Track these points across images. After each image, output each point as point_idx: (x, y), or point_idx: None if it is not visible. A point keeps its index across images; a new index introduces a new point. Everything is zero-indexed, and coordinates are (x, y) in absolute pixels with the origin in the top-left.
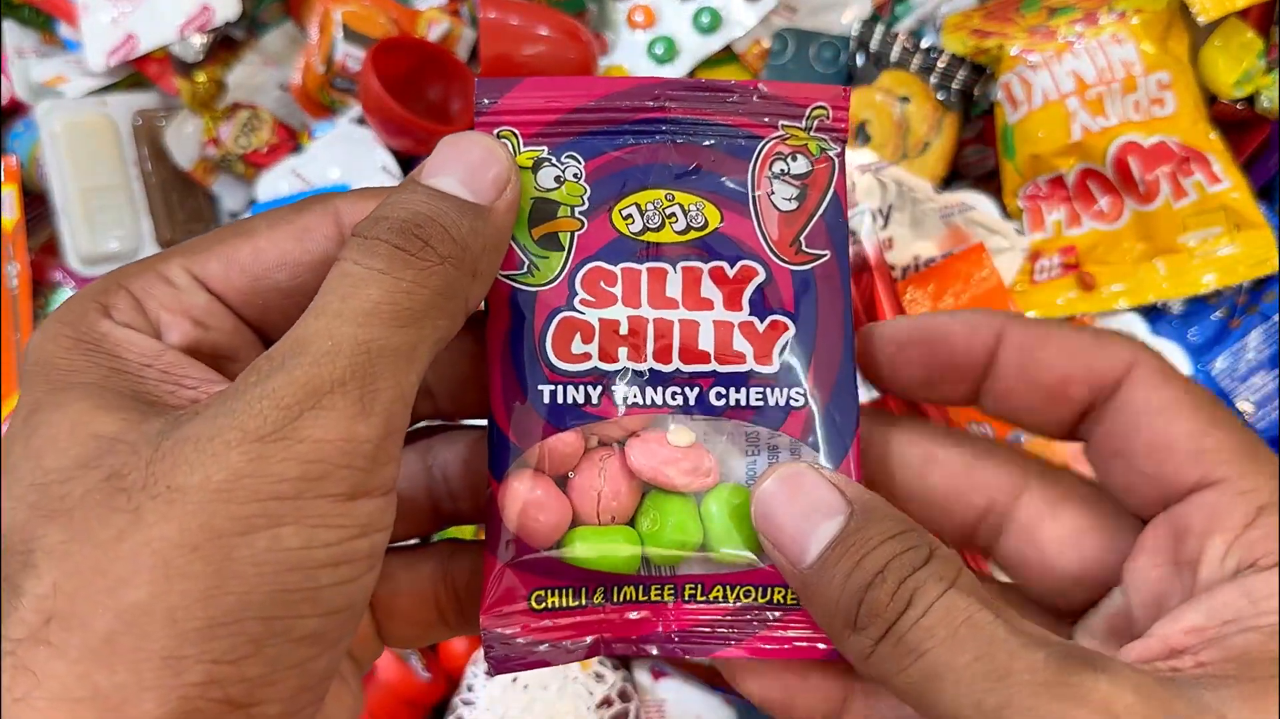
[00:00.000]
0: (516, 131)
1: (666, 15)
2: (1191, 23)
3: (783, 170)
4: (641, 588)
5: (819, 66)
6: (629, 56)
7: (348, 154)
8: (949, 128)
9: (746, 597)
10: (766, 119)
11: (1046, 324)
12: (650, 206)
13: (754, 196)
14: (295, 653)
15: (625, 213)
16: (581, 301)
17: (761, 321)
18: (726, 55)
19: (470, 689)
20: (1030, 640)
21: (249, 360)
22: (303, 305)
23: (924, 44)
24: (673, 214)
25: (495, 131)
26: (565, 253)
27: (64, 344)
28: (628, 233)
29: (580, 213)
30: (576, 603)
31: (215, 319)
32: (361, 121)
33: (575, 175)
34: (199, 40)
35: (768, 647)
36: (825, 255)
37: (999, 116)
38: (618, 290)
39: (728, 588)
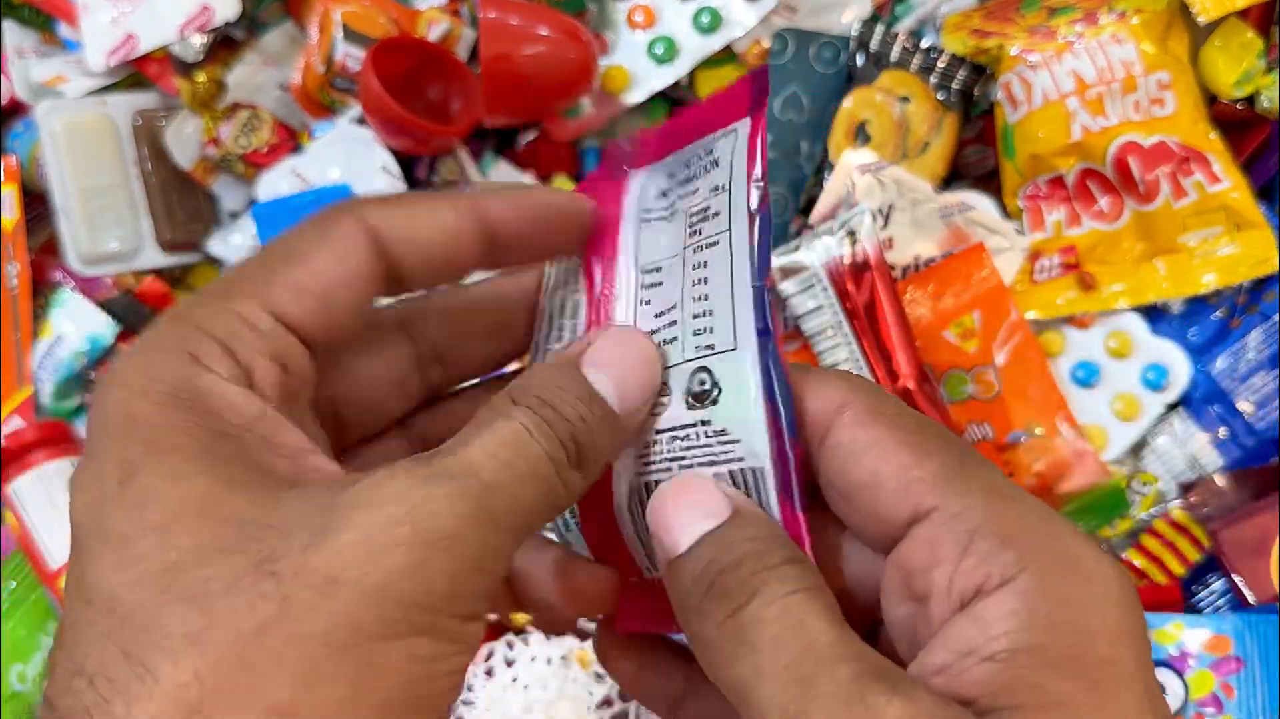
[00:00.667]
0: None
1: (666, 15)
2: (1191, 23)
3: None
4: None
5: (819, 66)
6: (629, 56)
7: (348, 154)
8: (949, 128)
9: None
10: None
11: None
12: None
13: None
14: None
15: None
16: None
17: None
18: (726, 55)
19: (470, 689)
20: (845, 654)
21: (305, 399)
22: (355, 324)
23: (924, 44)
24: None
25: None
26: None
27: (154, 398)
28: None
29: None
30: None
31: (295, 360)
32: (362, 121)
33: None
34: (199, 40)
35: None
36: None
37: (999, 116)
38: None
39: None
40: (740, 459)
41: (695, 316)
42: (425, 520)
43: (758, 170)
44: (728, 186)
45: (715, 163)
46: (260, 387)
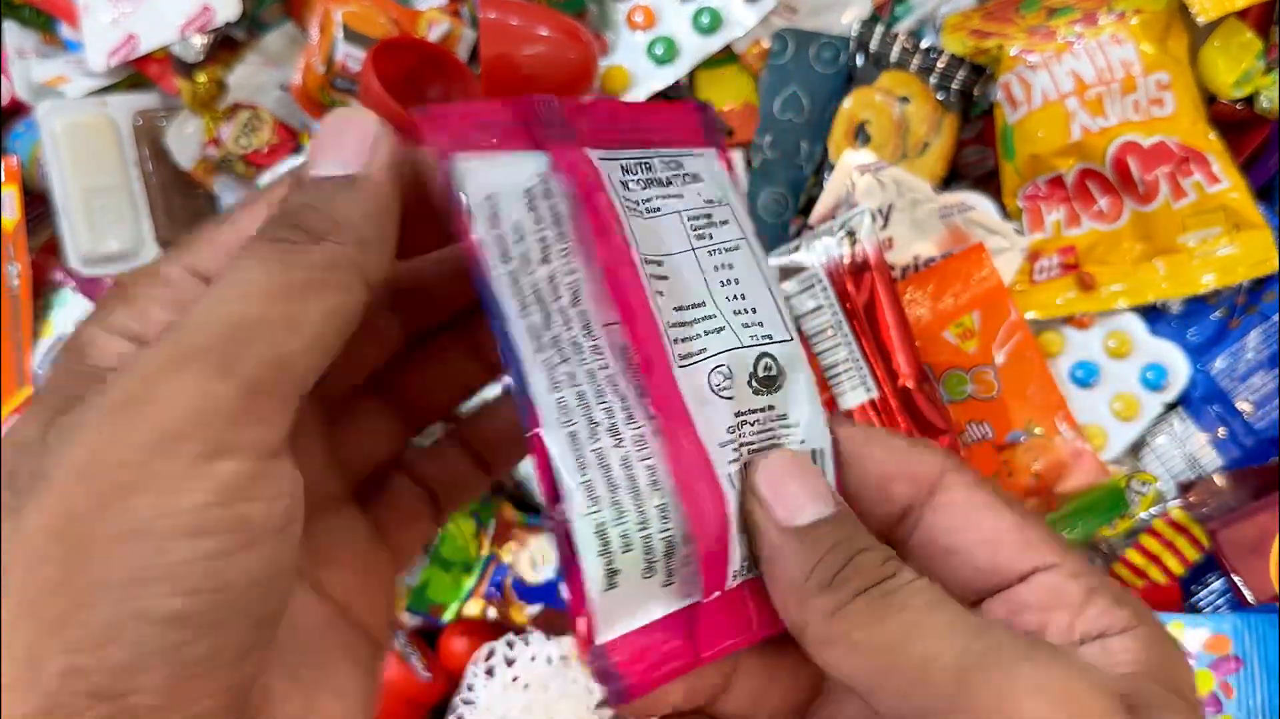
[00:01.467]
0: None
1: (666, 16)
2: (1191, 23)
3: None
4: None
5: (819, 67)
6: (629, 57)
7: None
8: (948, 128)
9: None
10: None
11: (871, 429)
12: None
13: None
14: (160, 637)
15: None
16: None
17: None
18: (726, 56)
19: (470, 689)
20: (997, 623)
21: None
22: None
23: (924, 44)
24: None
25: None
26: None
27: (60, 363)
28: None
29: None
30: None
31: None
32: None
33: None
34: (199, 40)
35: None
36: None
37: (998, 117)
38: None
39: None
40: (802, 441)
41: (737, 313)
42: (114, 395)
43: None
44: (727, 201)
45: (695, 177)
46: (151, 334)
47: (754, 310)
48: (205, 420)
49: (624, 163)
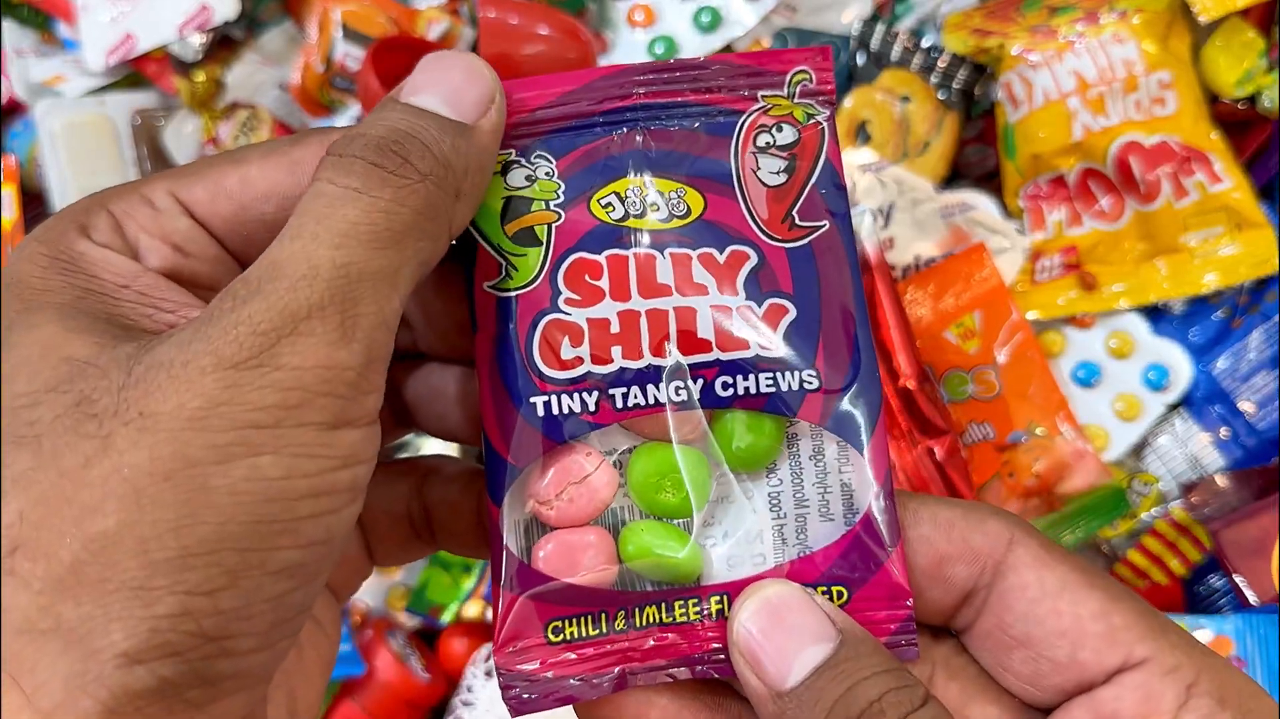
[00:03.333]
0: None
1: (666, 14)
2: (1193, 22)
3: (768, 143)
4: (664, 607)
5: None
6: (629, 55)
7: None
8: (950, 127)
9: None
10: (745, 91)
11: (916, 498)
12: (630, 193)
13: (738, 176)
14: (272, 586)
15: (604, 201)
16: (567, 301)
17: (760, 306)
18: None
19: (470, 690)
20: None
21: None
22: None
23: (925, 43)
24: (654, 203)
25: None
26: (544, 247)
27: (39, 263)
28: (609, 220)
29: (556, 205)
30: (596, 631)
31: (197, 246)
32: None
33: (548, 174)
34: (198, 39)
35: None
36: (823, 225)
37: (1000, 116)
38: (604, 283)
39: None
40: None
41: None
42: (228, 346)
43: None
44: None
45: None
46: (146, 259)
47: None
48: (332, 391)
49: None
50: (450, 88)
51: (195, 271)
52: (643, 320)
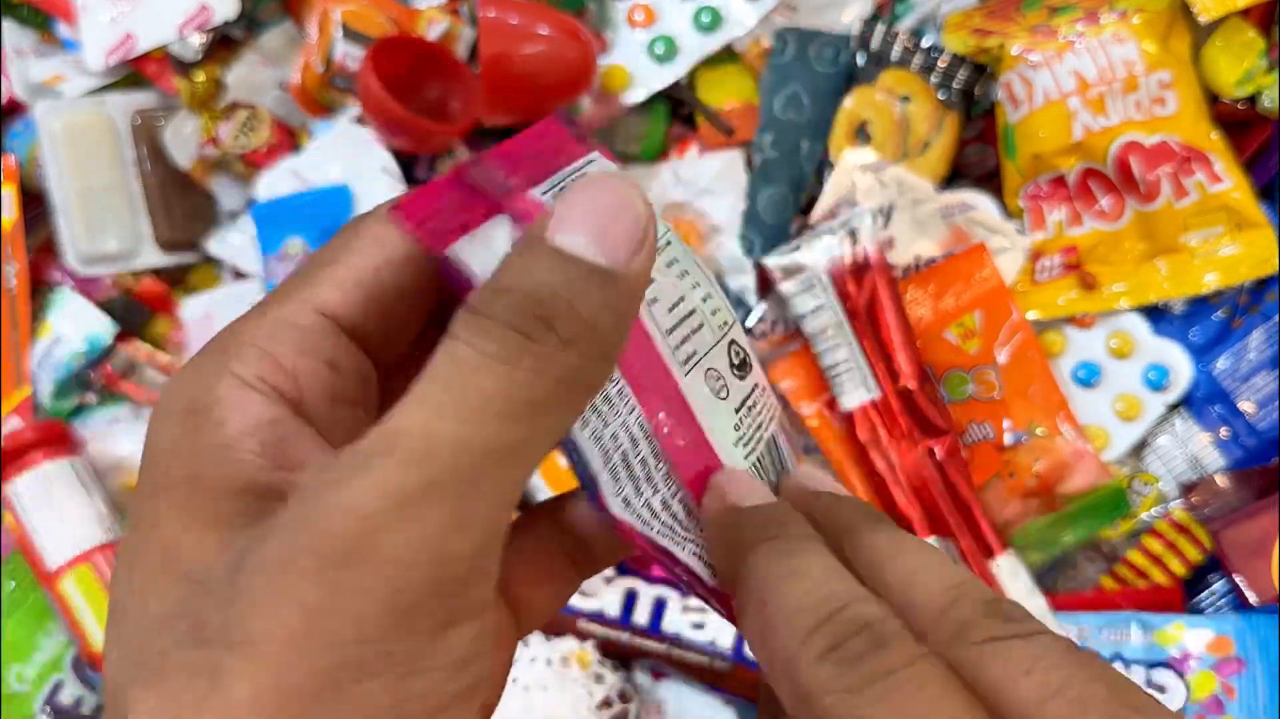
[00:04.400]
0: None
1: (667, 14)
2: (1193, 22)
3: None
4: None
5: (819, 66)
6: (629, 55)
7: (347, 154)
8: (950, 127)
9: None
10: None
11: (900, 538)
12: None
13: None
14: None
15: None
16: None
17: None
18: (727, 54)
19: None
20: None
21: (370, 404)
22: (410, 309)
23: (925, 43)
24: None
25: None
26: None
27: (174, 419)
28: None
29: None
30: None
31: (346, 358)
32: (361, 121)
33: None
34: (198, 39)
35: None
36: None
37: (1000, 116)
38: None
39: None
40: (774, 410)
41: (705, 299)
42: (327, 539)
43: None
44: None
45: None
46: (307, 387)
47: (711, 297)
48: (443, 589)
49: (555, 193)
50: (598, 224)
51: (347, 390)
52: None
